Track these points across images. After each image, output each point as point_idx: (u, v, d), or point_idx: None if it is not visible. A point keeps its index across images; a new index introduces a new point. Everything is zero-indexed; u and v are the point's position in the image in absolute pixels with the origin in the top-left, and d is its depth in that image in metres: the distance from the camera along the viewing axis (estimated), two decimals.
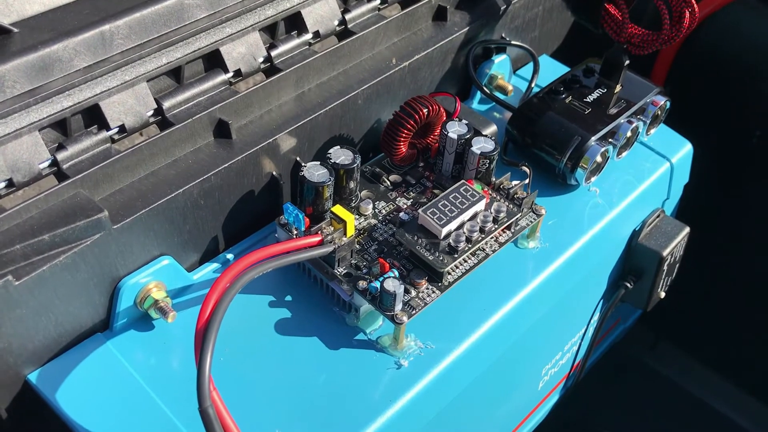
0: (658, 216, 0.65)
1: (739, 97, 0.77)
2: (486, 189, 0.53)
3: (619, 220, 0.61)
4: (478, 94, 0.68)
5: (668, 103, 0.64)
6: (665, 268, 0.65)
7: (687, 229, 0.65)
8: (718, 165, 0.81)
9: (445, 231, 0.49)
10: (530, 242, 0.56)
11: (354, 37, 0.58)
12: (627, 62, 0.62)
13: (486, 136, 0.55)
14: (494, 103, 0.67)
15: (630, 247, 0.64)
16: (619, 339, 0.82)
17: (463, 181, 0.52)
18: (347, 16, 0.59)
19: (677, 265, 0.68)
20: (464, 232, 0.49)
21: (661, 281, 0.66)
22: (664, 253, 0.63)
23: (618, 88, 0.63)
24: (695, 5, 0.57)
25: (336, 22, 0.59)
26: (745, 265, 0.87)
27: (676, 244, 0.64)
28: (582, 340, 0.69)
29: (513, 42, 0.68)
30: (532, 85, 0.68)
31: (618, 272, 0.66)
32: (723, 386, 0.95)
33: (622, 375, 0.98)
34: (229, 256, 0.53)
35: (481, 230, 0.50)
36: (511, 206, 0.52)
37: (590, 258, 0.59)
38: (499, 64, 0.68)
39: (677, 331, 0.96)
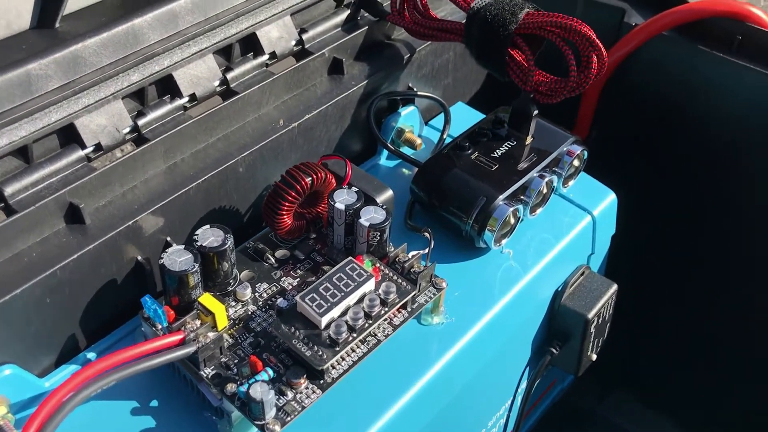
0: (582, 273, 0.60)
1: (664, 136, 0.73)
2: (377, 265, 0.48)
3: (536, 282, 0.56)
4: (385, 151, 0.63)
5: (585, 153, 0.59)
6: (593, 330, 0.60)
7: (614, 287, 0.60)
8: (649, 212, 0.76)
9: (325, 320, 0.44)
10: (434, 317, 0.51)
11: (235, 98, 0.53)
12: (536, 112, 0.57)
13: (378, 204, 0.49)
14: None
15: (553, 309, 0.59)
16: (559, 398, 0.77)
17: (350, 258, 0.47)
18: (229, 75, 0.54)
19: (608, 324, 0.63)
20: (347, 321, 0.44)
21: (590, 344, 0.61)
22: (590, 315, 0.58)
23: (529, 139, 0.58)
24: (603, 50, 0.53)
25: (216, 83, 0.54)
26: (685, 311, 0.82)
27: (603, 303, 0.59)
28: (510, 411, 0.63)
29: (419, 92, 0.63)
30: (443, 137, 0.63)
31: (542, 337, 0.61)
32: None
33: (574, 427, 0.93)
34: (90, 355, 0.47)
35: (368, 316, 0.45)
36: (404, 283, 0.47)
37: (505, 328, 0.54)
38: (407, 117, 0.63)
39: (625, 379, 0.91)
